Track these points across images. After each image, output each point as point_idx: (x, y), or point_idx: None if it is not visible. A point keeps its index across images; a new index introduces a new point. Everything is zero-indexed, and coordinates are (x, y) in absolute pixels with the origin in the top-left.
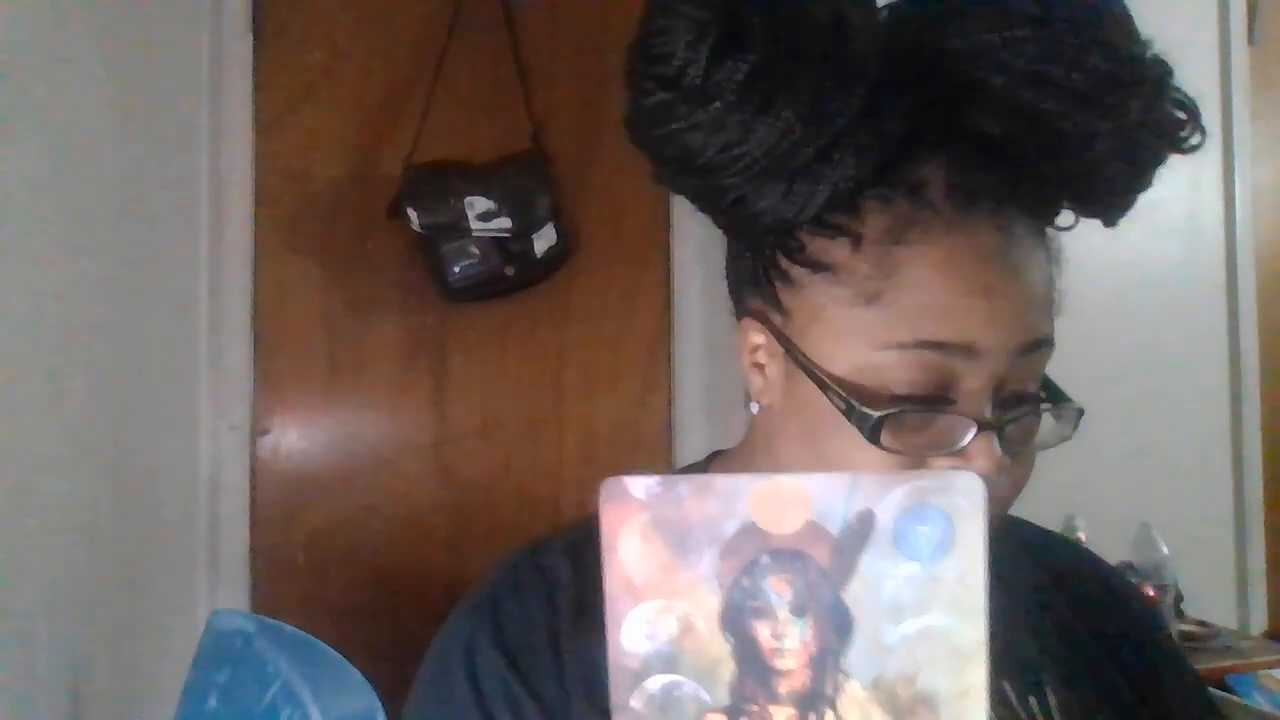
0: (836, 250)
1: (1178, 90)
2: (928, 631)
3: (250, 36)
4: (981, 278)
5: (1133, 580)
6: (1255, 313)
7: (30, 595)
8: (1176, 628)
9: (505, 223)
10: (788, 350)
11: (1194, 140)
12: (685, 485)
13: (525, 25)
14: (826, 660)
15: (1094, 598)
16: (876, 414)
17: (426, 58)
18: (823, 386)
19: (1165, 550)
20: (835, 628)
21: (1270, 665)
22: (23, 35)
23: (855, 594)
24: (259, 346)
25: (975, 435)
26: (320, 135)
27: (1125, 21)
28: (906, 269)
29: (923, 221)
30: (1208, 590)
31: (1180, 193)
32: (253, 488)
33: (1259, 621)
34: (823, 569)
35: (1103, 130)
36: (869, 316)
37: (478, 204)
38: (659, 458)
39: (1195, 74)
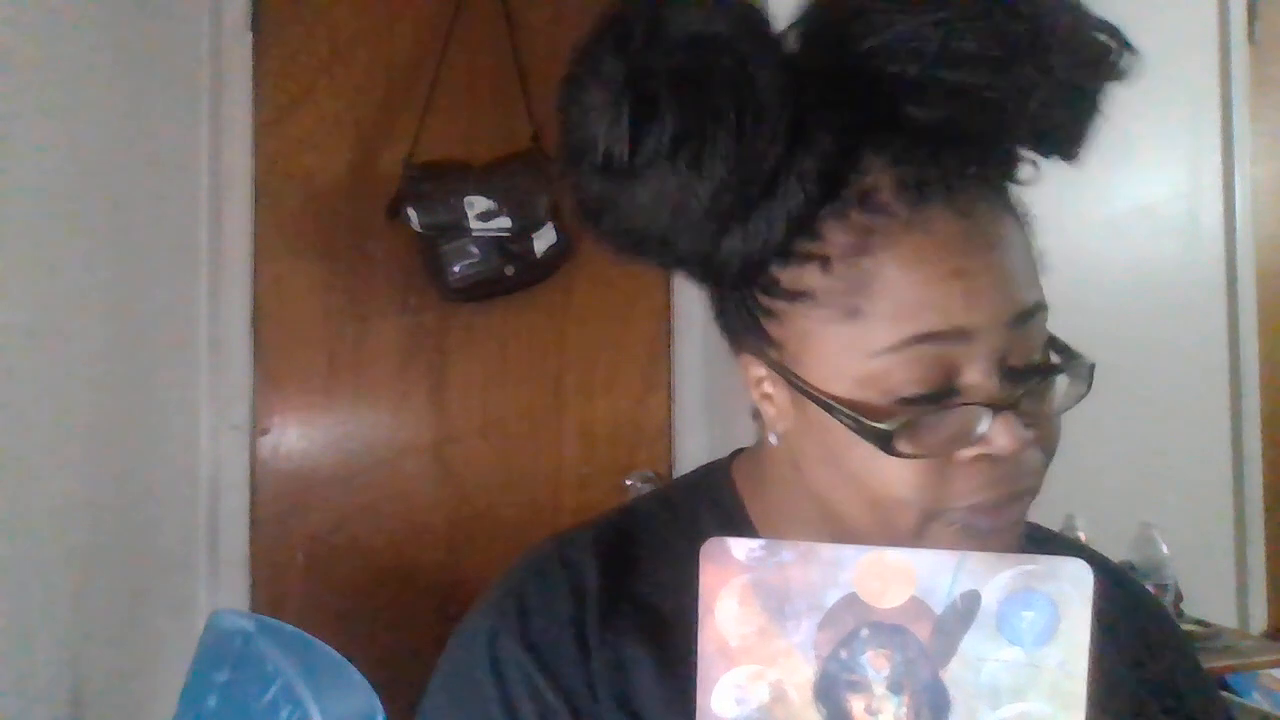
0: (808, 275)
1: (1093, 20)
2: (1024, 718)
3: (250, 36)
4: (950, 263)
5: None
6: (1255, 313)
7: (30, 595)
8: None
9: (505, 222)
10: (789, 381)
11: (1124, 63)
12: (789, 550)
13: (525, 25)
14: None
15: (1109, 601)
16: (887, 426)
17: (426, 58)
18: (829, 409)
19: (1165, 550)
20: (931, 707)
21: (1270, 665)
22: (22, 34)
23: (954, 675)
24: (259, 346)
25: (993, 419)
26: (320, 135)
27: None
28: (877, 276)
29: (880, 227)
30: (1208, 590)
31: (1180, 192)
32: (253, 488)
33: (1259, 621)
34: (923, 647)
35: (1034, 86)
36: (855, 330)
37: (478, 204)
38: (659, 458)
39: (1195, 74)
